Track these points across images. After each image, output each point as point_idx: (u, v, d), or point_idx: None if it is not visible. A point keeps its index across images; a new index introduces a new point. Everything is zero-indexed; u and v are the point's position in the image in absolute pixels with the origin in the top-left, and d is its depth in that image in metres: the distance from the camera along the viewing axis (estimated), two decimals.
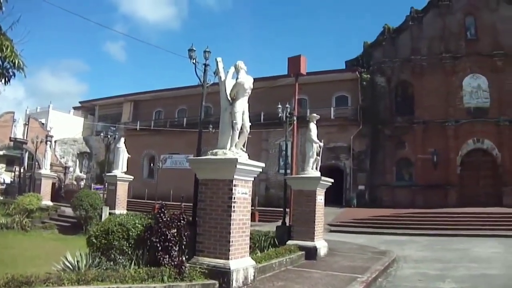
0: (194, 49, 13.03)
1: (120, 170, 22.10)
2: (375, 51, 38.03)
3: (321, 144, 14.89)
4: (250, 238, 9.84)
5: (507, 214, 25.91)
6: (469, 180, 33.29)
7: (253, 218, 28.66)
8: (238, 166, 8.59)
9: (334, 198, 31.25)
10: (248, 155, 9.33)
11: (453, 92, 34.48)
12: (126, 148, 22.73)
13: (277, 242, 13.95)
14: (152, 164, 45.44)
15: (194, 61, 13.03)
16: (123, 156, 22.46)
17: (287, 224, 15.82)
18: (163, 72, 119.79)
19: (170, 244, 8.85)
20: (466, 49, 35.04)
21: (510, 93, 33.14)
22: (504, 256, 15.67)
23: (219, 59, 9.80)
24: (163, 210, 9.20)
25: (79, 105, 60.22)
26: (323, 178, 14.20)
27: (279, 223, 17.18)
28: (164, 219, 9.04)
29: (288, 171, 19.06)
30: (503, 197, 31.44)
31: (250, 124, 9.31)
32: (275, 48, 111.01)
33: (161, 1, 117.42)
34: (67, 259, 9.11)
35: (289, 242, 13.87)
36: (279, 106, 21.44)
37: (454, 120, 33.75)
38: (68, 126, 54.51)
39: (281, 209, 18.58)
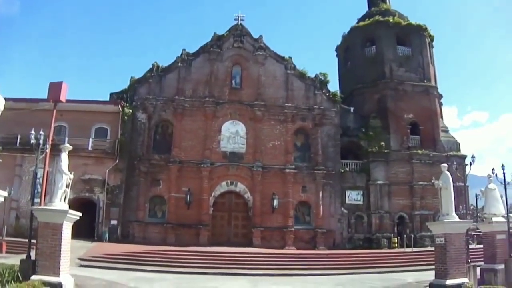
0: None
1: None
2: (141, 87, 37.44)
3: (71, 176, 14.78)
4: None
5: (255, 254, 27.98)
6: (221, 221, 35.12)
7: (0, 249, 25.76)
8: None
9: (86, 231, 30.06)
10: None
11: (211, 135, 36.14)
12: None
13: (21, 277, 13.16)
14: None
15: None
16: None
17: (32, 258, 14.79)
18: None
19: None
20: (229, 96, 37.42)
21: (265, 141, 36.45)
22: None
23: None
24: None
25: None
26: (70, 211, 13.96)
27: None
28: None
29: (38, 200, 17.87)
30: (253, 238, 33.71)
31: (3, 147, 8.50)
32: (50, 69, 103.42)
33: None
34: None
35: (34, 277, 13.07)
36: (32, 132, 20.15)
37: (210, 162, 35.12)
38: None
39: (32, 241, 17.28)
